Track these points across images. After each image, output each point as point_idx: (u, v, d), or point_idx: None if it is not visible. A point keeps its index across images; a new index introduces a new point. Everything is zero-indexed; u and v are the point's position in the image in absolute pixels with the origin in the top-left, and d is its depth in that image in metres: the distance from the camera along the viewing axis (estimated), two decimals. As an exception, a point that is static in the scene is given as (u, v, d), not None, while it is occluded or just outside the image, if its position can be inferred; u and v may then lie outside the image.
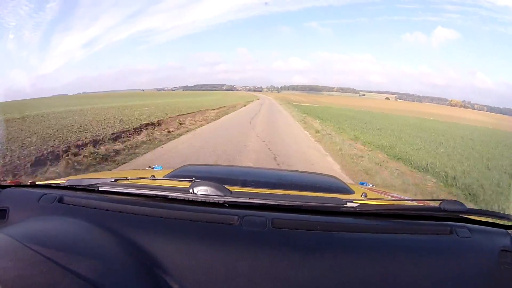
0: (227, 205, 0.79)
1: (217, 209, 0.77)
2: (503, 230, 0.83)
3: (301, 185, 1.32)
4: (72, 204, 0.79)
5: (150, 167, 2.54)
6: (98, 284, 0.55)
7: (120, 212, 0.76)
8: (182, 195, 0.80)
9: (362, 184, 1.82)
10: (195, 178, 0.89)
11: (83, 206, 0.78)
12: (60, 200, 0.80)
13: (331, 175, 1.62)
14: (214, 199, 0.79)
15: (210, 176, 1.25)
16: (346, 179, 3.81)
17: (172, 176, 1.26)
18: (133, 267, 0.61)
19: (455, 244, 0.76)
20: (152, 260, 0.63)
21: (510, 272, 0.71)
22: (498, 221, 0.85)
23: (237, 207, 0.78)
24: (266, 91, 63.19)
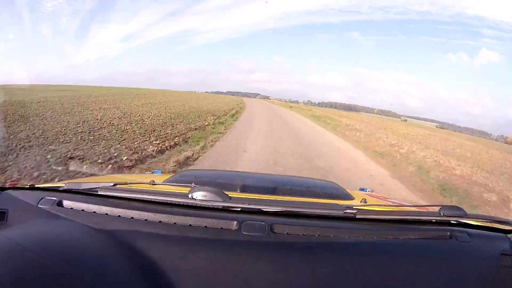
0: (226, 210, 0.82)
1: (216, 213, 0.80)
2: (503, 234, 0.86)
3: (301, 191, 1.36)
4: (71, 208, 0.83)
5: (150, 171, 2.62)
6: (96, 287, 0.58)
7: (119, 216, 0.79)
8: (181, 200, 0.84)
9: (362, 190, 1.87)
10: (194, 184, 0.93)
11: (82, 210, 0.81)
12: (59, 204, 0.84)
13: (331, 181, 1.67)
14: (213, 204, 0.82)
15: (209, 182, 1.33)
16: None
17: (171, 181, 1.31)
18: (132, 272, 0.64)
19: (454, 249, 0.78)
20: (151, 264, 0.66)
21: (510, 276, 0.73)
22: (498, 226, 0.87)
23: (236, 213, 0.81)
24: (303, 106, 63.55)
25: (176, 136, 6.95)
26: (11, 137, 5.18)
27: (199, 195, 0.83)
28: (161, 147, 5.68)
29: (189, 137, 7.10)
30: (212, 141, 6.99)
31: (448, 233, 0.83)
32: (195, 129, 8.47)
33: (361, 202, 1.11)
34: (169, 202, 0.85)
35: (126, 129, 7.21)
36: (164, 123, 9.03)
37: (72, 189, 0.93)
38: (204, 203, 0.83)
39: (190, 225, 0.76)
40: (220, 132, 8.65)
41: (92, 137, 5.89)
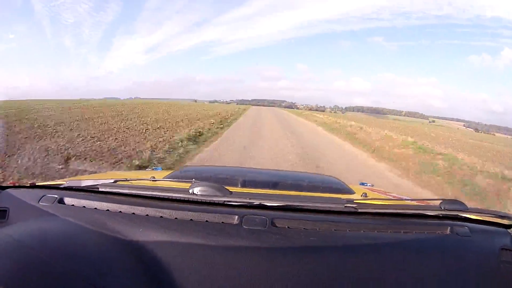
0: (227, 205, 0.83)
1: (217, 208, 0.81)
2: (503, 229, 0.86)
3: (301, 185, 1.38)
4: (72, 205, 0.84)
5: (150, 168, 2.80)
6: (98, 285, 0.59)
7: (120, 212, 0.80)
8: (182, 196, 0.85)
9: (362, 184, 1.89)
10: (195, 179, 0.95)
11: (83, 207, 0.83)
12: (60, 201, 0.85)
13: (331, 176, 1.68)
14: (214, 199, 0.83)
15: (210, 177, 1.36)
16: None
17: (172, 177, 1.35)
18: (134, 268, 0.66)
19: (455, 244, 0.79)
20: (152, 260, 0.68)
21: (510, 271, 0.73)
22: (498, 220, 0.86)
23: (237, 207, 0.82)
24: (330, 112, 64.64)
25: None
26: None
27: (199, 190, 0.84)
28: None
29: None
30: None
31: (449, 228, 0.83)
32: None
33: (361, 196, 1.12)
34: (170, 197, 0.86)
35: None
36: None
37: (73, 186, 0.95)
38: (205, 198, 0.84)
39: (191, 220, 0.77)
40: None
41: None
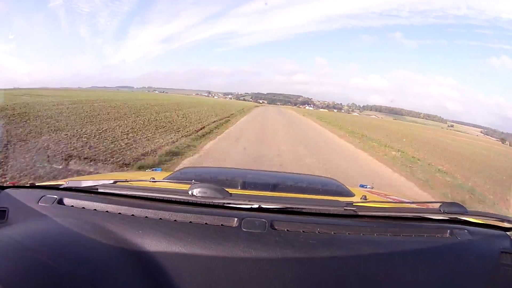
0: (226, 207, 0.84)
1: (216, 210, 0.82)
2: (503, 232, 0.86)
3: (301, 187, 1.39)
4: (72, 206, 0.85)
5: (150, 169, 2.85)
6: (97, 285, 0.60)
7: (119, 213, 0.81)
8: (182, 197, 0.86)
9: (362, 186, 1.89)
10: (195, 181, 0.96)
11: (83, 208, 0.84)
12: (60, 202, 0.86)
13: (331, 178, 1.68)
14: (214, 201, 0.84)
15: (209, 179, 1.38)
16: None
17: (171, 178, 1.36)
18: (133, 270, 0.67)
19: (455, 247, 0.79)
20: (151, 262, 0.68)
21: (510, 274, 0.74)
22: (498, 223, 0.87)
23: (236, 209, 0.83)
24: (348, 109, 62.33)
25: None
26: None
27: (199, 192, 0.84)
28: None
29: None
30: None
31: (448, 231, 0.83)
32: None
33: (361, 198, 1.12)
34: (169, 199, 0.87)
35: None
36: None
37: (72, 187, 0.95)
38: (204, 200, 0.84)
39: (190, 222, 0.78)
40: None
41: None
